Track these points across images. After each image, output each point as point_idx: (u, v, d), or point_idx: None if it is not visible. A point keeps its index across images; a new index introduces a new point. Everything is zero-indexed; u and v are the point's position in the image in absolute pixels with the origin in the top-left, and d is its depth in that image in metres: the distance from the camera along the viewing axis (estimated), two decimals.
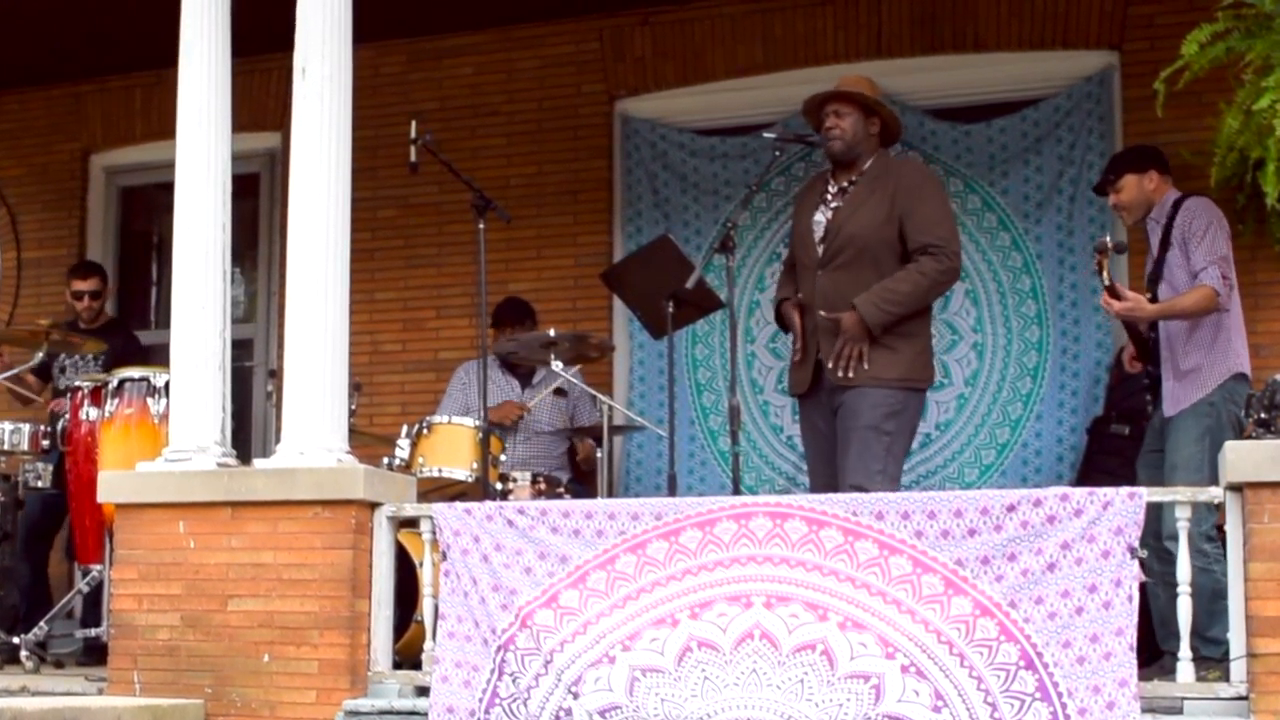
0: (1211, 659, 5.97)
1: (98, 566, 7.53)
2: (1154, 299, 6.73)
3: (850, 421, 6.60)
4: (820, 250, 6.82)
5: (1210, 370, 6.57)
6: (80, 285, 9.19)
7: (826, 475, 6.78)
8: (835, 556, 5.60)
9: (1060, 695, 5.35)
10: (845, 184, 6.90)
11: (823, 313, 6.69)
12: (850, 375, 6.55)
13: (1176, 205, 6.77)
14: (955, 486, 8.32)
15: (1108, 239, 6.61)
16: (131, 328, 9.70)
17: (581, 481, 8.44)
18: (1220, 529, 6.17)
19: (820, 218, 6.88)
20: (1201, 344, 6.60)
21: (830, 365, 6.61)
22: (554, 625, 5.87)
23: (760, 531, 5.70)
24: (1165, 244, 6.77)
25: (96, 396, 7.49)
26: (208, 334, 6.68)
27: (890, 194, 6.75)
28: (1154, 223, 6.87)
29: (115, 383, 7.40)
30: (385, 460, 7.33)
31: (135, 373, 7.43)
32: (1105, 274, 6.57)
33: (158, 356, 8.26)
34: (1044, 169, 8.54)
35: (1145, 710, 5.36)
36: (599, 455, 7.75)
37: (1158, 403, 6.81)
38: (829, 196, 6.93)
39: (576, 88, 9.51)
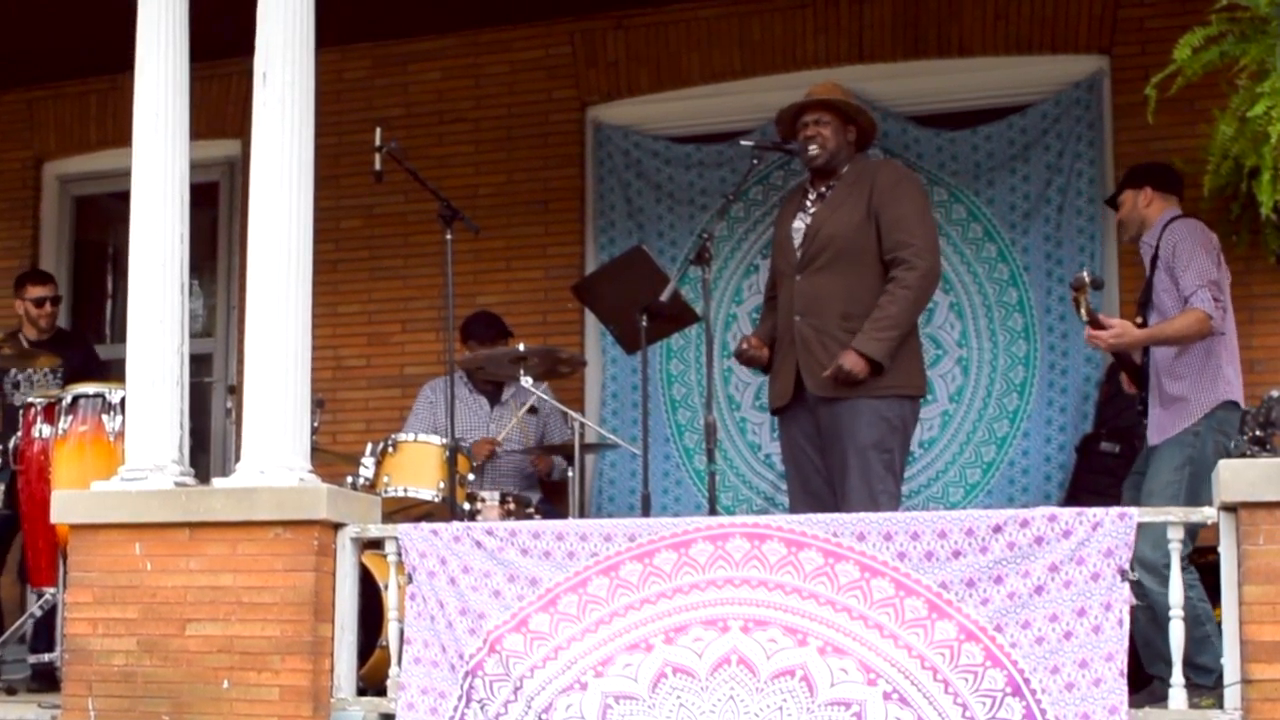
0: (1202, 686, 5.87)
1: (51, 589, 7.42)
2: (1145, 325, 6.63)
3: (847, 441, 6.55)
4: (799, 254, 6.79)
5: (1196, 399, 6.46)
6: (40, 291, 9.03)
7: (806, 495, 6.73)
8: (815, 579, 5.53)
9: None
10: (823, 189, 6.87)
11: (798, 317, 6.70)
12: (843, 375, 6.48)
13: (1166, 228, 6.66)
14: (940, 507, 8.24)
15: (1085, 274, 6.50)
16: (87, 338, 9.58)
17: (552, 501, 8.37)
18: (1199, 552, 6.18)
19: (799, 224, 6.86)
20: (1188, 371, 6.50)
21: (823, 374, 6.55)
22: (524, 650, 5.79)
23: (737, 553, 5.63)
24: (1154, 267, 6.66)
25: (50, 413, 7.40)
26: (165, 349, 6.56)
27: (867, 192, 6.73)
28: (1146, 244, 6.80)
29: (69, 399, 7.30)
30: (349, 479, 7.24)
31: (90, 388, 7.33)
32: (1083, 310, 6.45)
33: (113, 371, 8.14)
34: (1031, 178, 8.46)
35: None
36: (570, 474, 7.62)
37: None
38: (808, 204, 6.90)
39: (547, 93, 9.44)
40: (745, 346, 6.97)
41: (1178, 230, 6.62)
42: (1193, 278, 6.47)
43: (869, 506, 6.27)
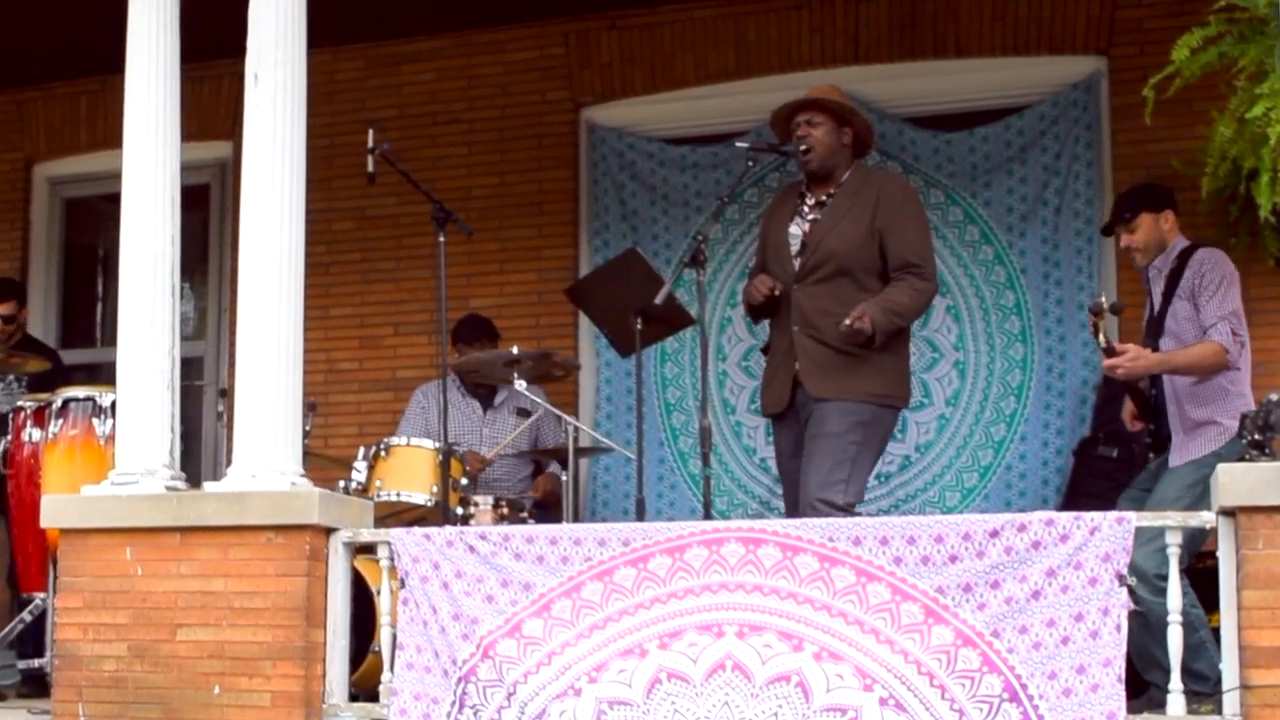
0: (1200, 692, 5.81)
1: (41, 594, 7.36)
2: (1156, 351, 6.54)
3: (816, 429, 6.51)
4: (797, 264, 6.71)
5: (1224, 424, 6.31)
6: None
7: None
8: (811, 584, 5.48)
9: None
10: (823, 197, 6.79)
11: (796, 328, 6.61)
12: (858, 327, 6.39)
13: (1184, 255, 6.59)
14: (936, 511, 8.22)
15: (1103, 299, 6.44)
16: (49, 348, 9.36)
17: (545, 506, 8.26)
18: (1199, 557, 6.10)
19: (796, 230, 6.78)
20: (1213, 397, 6.40)
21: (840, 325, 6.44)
22: (517, 656, 5.74)
23: (732, 558, 5.58)
24: (1169, 295, 6.58)
25: (40, 417, 7.34)
26: (156, 352, 6.53)
27: (871, 208, 6.66)
28: (1157, 270, 6.68)
29: (59, 403, 7.26)
30: (341, 483, 7.20)
31: (80, 392, 7.28)
32: (1102, 335, 6.39)
33: (103, 375, 8.09)
34: (1028, 179, 8.42)
35: None
36: (564, 478, 7.57)
37: (1158, 454, 6.63)
38: (805, 209, 6.82)
39: (541, 95, 9.41)
40: (762, 286, 6.73)
41: (1206, 260, 6.51)
42: (1215, 309, 6.38)
43: (825, 495, 6.29)
